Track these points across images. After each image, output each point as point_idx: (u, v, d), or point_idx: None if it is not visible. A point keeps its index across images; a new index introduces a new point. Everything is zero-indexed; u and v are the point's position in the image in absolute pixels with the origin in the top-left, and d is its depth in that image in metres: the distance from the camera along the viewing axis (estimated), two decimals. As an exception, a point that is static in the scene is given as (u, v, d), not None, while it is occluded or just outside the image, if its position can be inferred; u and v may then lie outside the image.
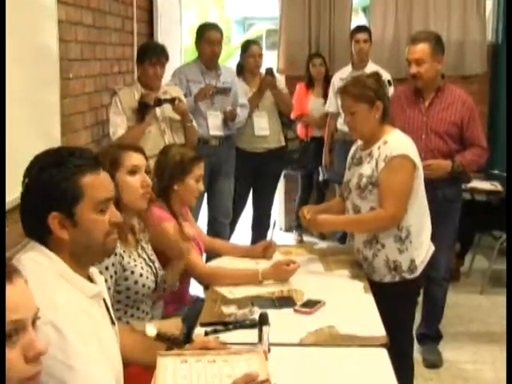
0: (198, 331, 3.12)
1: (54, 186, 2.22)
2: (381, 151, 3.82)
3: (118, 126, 5.16)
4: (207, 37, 6.21)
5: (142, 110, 5.19)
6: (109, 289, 3.04)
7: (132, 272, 3.26)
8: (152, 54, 5.29)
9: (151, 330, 3.06)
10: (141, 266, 3.34)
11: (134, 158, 3.34)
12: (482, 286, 6.69)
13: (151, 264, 3.44)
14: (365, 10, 12.20)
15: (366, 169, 3.86)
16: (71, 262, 2.27)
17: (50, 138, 4.18)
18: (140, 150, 3.42)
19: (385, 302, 3.58)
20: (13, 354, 1.63)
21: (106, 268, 3.08)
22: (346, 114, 3.92)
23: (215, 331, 3.11)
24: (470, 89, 7.59)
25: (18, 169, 2.36)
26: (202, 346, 2.69)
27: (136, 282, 3.28)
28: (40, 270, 2.18)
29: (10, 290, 1.63)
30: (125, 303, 3.26)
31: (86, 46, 4.91)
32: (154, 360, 2.48)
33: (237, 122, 6.39)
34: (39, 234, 2.27)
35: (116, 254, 3.13)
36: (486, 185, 7.14)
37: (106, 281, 3.00)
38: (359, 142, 4.09)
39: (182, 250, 3.68)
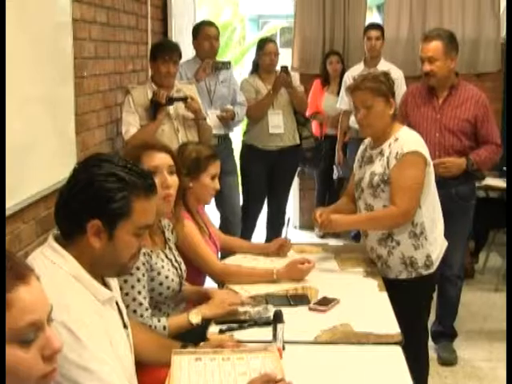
0: (213, 329, 3.11)
1: (109, 197, 2.23)
2: (392, 148, 3.81)
3: (131, 124, 5.15)
4: (205, 32, 6.24)
5: (154, 109, 5.18)
6: (143, 287, 3.08)
7: (158, 273, 3.23)
8: (165, 51, 5.27)
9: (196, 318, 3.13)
10: (168, 267, 3.30)
11: (154, 159, 3.24)
12: (497, 284, 6.66)
13: (177, 265, 3.41)
14: (379, 7, 12.18)
15: (378, 167, 3.85)
16: (88, 267, 2.27)
17: (65, 136, 4.19)
18: (164, 149, 3.33)
19: (401, 298, 3.58)
20: (31, 354, 1.61)
21: (138, 268, 3.05)
22: (361, 108, 3.87)
23: (230, 329, 3.10)
24: (484, 86, 7.57)
25: (33, 166, 2.35)
26: (216, 345, 2.70)
27: (161, 284, 3.25)
28: (53, 268, 2.18)
29: (27, 292, 1.60)
30: (148, 303, 3.20)
31: (100, 44, 4.90)
32: (169, 358, 2.49)
33: (236, 120, 6.42)
34: (70, 229, 2.28)
35: (145, 254, 3.12)
36: (500, 182, 7.10)
37: (138, 280, 3.04)
38: (367, 142, 4.08)
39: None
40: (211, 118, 6.04)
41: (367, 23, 7.78)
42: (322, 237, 8.09)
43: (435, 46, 4.78)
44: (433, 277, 4.00)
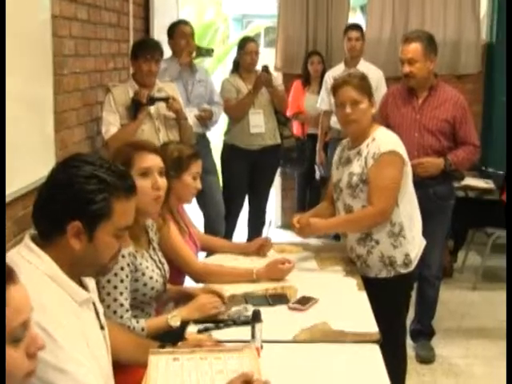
0: (191, 329, 3.10)
1: (90, 198, 2.22)
2: (369, 148, 3.81)
3: (111, 124, 5.11)
4: (181, 30, 6.27)
5: (135, 108, 5.15)
6: (126, 288, 3.06)
7: (143, 274, 3.21)
8: (146, 50, 5.24)
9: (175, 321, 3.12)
10: (152, 268, 3.28)
11: (146, 160, 3.24)
12: (475, 283, 6.70)
13: (161, 266, 3.40)
14: (362, 8, 12.20)
15: (356, 167, 3.84)
16: (67, 268, 2.24)
17: (44, 134, 4.15)
18: (155, 151, 3.33)
19: (379, 297, 3.58)
20: (18, 353, 1.64)
21: (122, 268, 3.04)
22: (347, 104, 3.84)
23: (208, 329, 3.09)
24: (464, 88, 7.63)
25: (10, 164, 2.32)
26: (194, 344, 2.69)
27: (145, 284, 3.23)
28: (30, 269, 2.15)
29: (16, 292, 1.62)
30: (130, 304, 3.15)
31: (81, 42, 4.86)
32: (147, 358, 2.47)
33: (213, 120, 6.44)
34: (49, 229, 2.25)
35: (130, 255, 3.11)
36: (479, 182, 7.14)
37: (121, 281, 3.03)
38: (344, 142, 4.08)
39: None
40: (189, 116, 6.05)
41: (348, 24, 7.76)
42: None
43: (415, 47, 4.80)
44: (411, 275, 4.01)
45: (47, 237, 2.24)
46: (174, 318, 3.13)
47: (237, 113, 6.60)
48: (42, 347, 1.70)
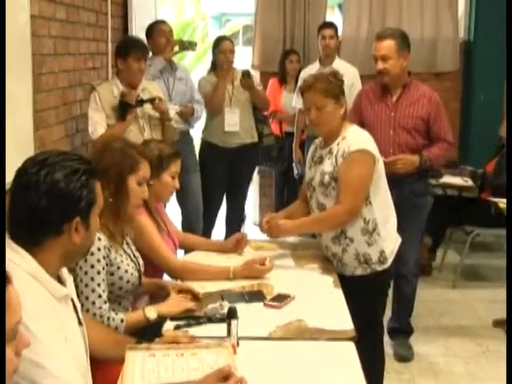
0: (168, 326, 3.12)
1: (78, 195, 2.29)
2: (339, 147, 3.84)
3: (98, 123, 5.11)
4: (159, 29, 6.34)
5: (123, 109, 5.15)
6: (103, 280, 3.11)
7: (118, 267, 3.25)
8: (137, 49, 5.26)
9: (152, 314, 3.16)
10: (126, 262, 3.33)
11: (146, 170, 3.39)
12: (454, 281, 6.73)
13: (135, 260, 3.44)
14: (340, 6, 12.23)
15: (327, 166, 3.87)
16: (55, 262, 2.30)
17: (23, 133, 4.17)
18: (148, 158, 3.45)
19: (356, 295, 3.62)
20: (10, 352, 1.68)
21: (98, 260, 3.09)
22: (312, 109, 3.89)
23: (184, 325, 3.11)
24: (442, 86, 7.69)
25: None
26: (171, 341, 2.72)
27: (121, 278, 3.27)
28: (11, 267, 2.17)
29: (13, 292, 1.66)
30: (107, 297, 3.18)
31: (60, 41, 4.88)
32: (123, 354, 2.51)
33: (195, 117, 6.50)
34: (38, 237, 2.28)
35: (105, 248, 3.15)
36: (457, 180, 7.19)
37: (98, 272, 3.07)
38: (317, 142, 4.10)
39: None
40: (172, 113, 6.10)
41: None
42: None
43: (388, 44, 4.83)
44: (387, 272, 4.02)
45: (37, 241, 2.27)
46: (150, 311, 3.17)
47: (212, 103, 6.61)
48: (28, 345, 1.74)
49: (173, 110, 6.14)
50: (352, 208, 3.82)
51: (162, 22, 6.56)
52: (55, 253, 2.29)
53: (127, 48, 5.30)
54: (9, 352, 1.68)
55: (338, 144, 3.85)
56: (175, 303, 3.28)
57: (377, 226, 3.89)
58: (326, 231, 4.00)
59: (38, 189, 2.24)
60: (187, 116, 6.39)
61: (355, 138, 3.87)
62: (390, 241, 3.98)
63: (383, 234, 3.92)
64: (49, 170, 2.27)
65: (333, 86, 3.86)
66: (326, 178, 3.85)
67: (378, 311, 4.21)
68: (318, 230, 4.11)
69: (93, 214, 2.35)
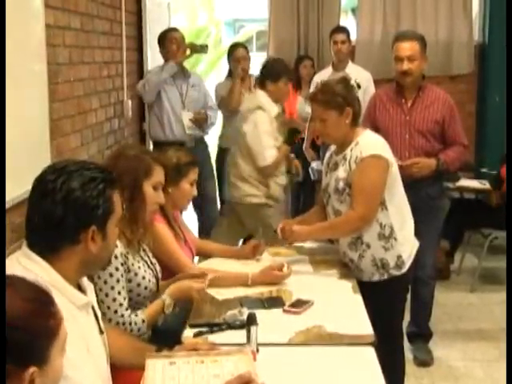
0: (188, 333, 3.12)
1: (94, 203, 2.30)
2: (352, 153, 3.84)
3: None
4: (171, 36, 6.43)
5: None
6: (123, 288, 3.13)
7: (135, 274, 3.27)
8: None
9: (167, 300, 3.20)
10: (144, 268, 3.34)
11: (161, 175, 3.39)
12: (472, 284, 6.70)
13: (152, 267, 3.45)
14: (354, 11, 12.21)
15: (341, 172, 3.87)
16: (72, 271, 2.31)
17: (40, 142, 4.17)
18: (162, 164, 3.46)
19: (374, 300, 3.61)
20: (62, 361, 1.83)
21: (117, 269, 3.10)
22: (316, 120, 3.93)
23: (204, 333, 3.11)
24: (457, 88, 7.66)
25: (8, 173, 2.36)
26: (190, 348, 2.70)
27: (139, 285, 3.28)
28: (29, 277, 2.18)
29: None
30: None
31: (75, 50, 4.88)
32: (143, 362, 2.50)
33: (209, 123, 6.57)
34: (56, 245, 2.29)
35: (122, 255, 3.16)
36: (474, 183, 7.17)
37: (118, 281, 3.09)
38: (333, 148, 4.09)
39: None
40: (185, 119, 6.17)
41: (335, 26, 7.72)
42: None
43: (413, 45, 4.83)
44: (405, 277, 4.02)
45: (54, 249, 2.29)
46: (167, 300, 3.23)
47: (230, 103, 6.66)
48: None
49: (186, 117, 6.19)
50: (365, 214, 3.81)
51: (174, 30, 6.64)
52: (72, 262, 2.29)
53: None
54: (61, 361, 1.76)
55: (351, 150, 3.85)
56: (182, 288, 3.33)
57: (393, 231, 3.88)
58: (340, 237, 4.00)
59: (54, 196, 2.26)
60: (201, 122, 6.43)
61: (368, 143, 3.86)
62: (407, 245, 3.97)
63: (400, 239, 3.91)
64: (66, 178, 2.28)
65: (336, 96, 3.85)
66: (341, 184, 3.85)
67: (397, 316, 4.20)
68: (331, 235, 4.13)
69: (110, 223, 2.35)
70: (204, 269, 3.87)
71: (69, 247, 2.28)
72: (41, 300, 1.72)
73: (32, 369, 1.63)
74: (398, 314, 4.19)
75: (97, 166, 2.41)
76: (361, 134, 3.91)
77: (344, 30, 7.41)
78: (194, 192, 3.96)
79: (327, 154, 4.14)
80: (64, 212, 2.26)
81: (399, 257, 3.92)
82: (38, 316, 1.68)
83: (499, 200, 6.54)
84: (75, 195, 2.27)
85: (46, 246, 2.29)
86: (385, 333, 3.32)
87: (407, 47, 4.84)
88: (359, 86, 4.49)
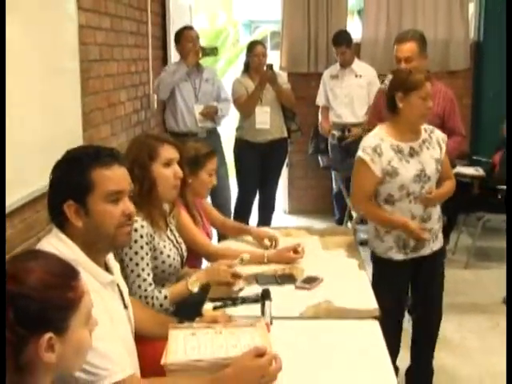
0: (207, 306, 3.12)
1: (71, 177, 2.26)
2: (436, 135, 3.92)
3: None
4: (188, 35, 6.38)
5: None
6: (147, 265, 3.12)
7: (161, 252, 3.25)
8: None
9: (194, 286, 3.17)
10: (169, 247, 3.32)
11: (169, 151, 3.29)
12: (467, 262, 6.67)
13: (178, 246, 3.43)
14: (359, 12, 12.15)
15: (436, 153, 3.87)
16: (86, 248, 2.29)
17: (73, 132, 4.18)
18: (174, 144, 3.36)
19: (435, 269, 4.03)
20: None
21: (141, 247, 3.09)
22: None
23: (222, 306, 3.11)
24: (455, 83, 7.60)
25: (45, 161, 2.37)
26: (210, 320, 2.70)
27: (163, 262, 3.27)
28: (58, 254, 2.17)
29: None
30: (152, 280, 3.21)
31: (105, 48, 4.88)
32: (166, 333, 2.49)
33: (220, 115, 6.55)
34: (57, 220, 2.31)
35: (147, 235, 3.14)
36: (469, 170, 7.11)
37: (142, 258, 3.09)
38: (389, 140, 3.84)
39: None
40: (196, 113, 6.27)
41: (335, 34, 7.46)
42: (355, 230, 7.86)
43: (410, 46, 4.78)
44: None
45: (60, 226, 2.30)
46: (192, 282, 3.17)
47: (246, 108, 6.61)
48: (96, 324, 1.82)
49: (198, 110, 6.21)
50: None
51: (189, 28, 6.58)
52: (78, 240, 2.28)
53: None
54: (86, 332, 1.74)
55: (429, 134, 3.90)
56: (215, 272, 3.26)
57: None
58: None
59: (50, 179, 2.33)
60: (211, 116, 6.45)
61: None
62: None
63: None
64: (61, 161, 2.33)
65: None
66: (438, 165, 3.87)
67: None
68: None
69: (90, 199, 2.27)
70: (223, 249, 3.87)
71: (66, 224, 2.28)
72: (61, 274, 1.71)
73: (48, 335, 1.63)
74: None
75: (98, 149, 2.38)
76: None
77: (343, 42, 7.27)
78: (214, 181, 3.94)
79: (386, 145, 3.84)
80: (50, 188, 2.31)
81: None
82: (56, 288, 1.67)
83: (492, 185, 6.53)
84: (56, 174, 2.30)
85: (55, 224, 2.32)
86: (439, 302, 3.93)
87: (405, 49, 4.80)
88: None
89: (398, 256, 3.89)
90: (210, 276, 3.24)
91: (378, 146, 3.76)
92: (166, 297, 3.11)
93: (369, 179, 3.77)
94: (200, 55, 6.42)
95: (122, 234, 2.36)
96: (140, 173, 3.15)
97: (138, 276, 3.07)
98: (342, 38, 7.31)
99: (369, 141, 3.83)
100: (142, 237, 3.09)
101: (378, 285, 3.69)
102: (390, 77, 3.93)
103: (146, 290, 3.08)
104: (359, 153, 3.79)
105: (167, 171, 3.26)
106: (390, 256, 3.90)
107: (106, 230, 2.31)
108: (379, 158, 3.74)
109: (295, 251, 3.77)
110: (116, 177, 2.33)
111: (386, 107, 3.92)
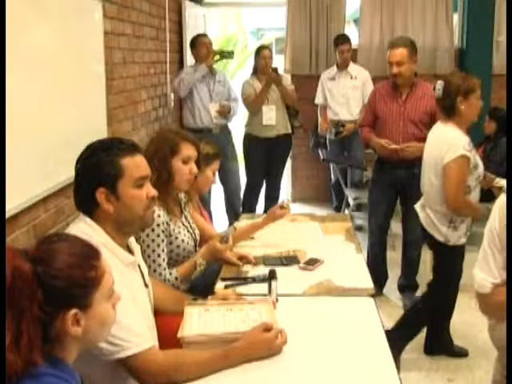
0: (219, 285, 3.09)
1: (101, 166, 2.22)
2: None
3: None
4: (202, 41, 6.38)
5: None
6: (163, 251, 3.08)
7: (176, 238, 3.22)
8: None
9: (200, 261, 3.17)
10: (184, 232, 3.29)
11: (189, 149, 3.23)
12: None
13: (191, 231, 3.39)
14: (356, 21, 12.10)
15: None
16: (113, 231, 2.26)
17: (99, 127, 4.20)
18: (195, 143, 3.29)
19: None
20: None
21: (158, 235, 3.05)
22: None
23: (233, 285, 3.08)
24: (441, 85, 7.52)
25: (75, 153, 2.33)
26: (222, 297, 2.70)
27: (178, 246, 3.24)
28: (85, 238, 2.13)
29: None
30: (167, 263, 3.17)
31: (127, 52, 4.87)
32: (182, 309, 2.49)
33: (231, 113, 6.57)
34: (87, 207, 2.26)
35: (163, 223, 3.10)
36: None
37: (158, 245, 3.05)
38: (466, 139, 3.84)
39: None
40: (212, 110, 6.29)
41: (337, 35, 7.49)
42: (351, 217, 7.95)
43: (401, 52, 4.75)
44: None
45: (89, 212, 2.26)
46: (198, 259, 3.18)
47: (254, 106, 6.59)
48: (119, 299, 1.79)
49: (213, 109, 6.20)
50: None
51: (204, 35, 6.58)
52: (106, 224, 2.25)
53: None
54: (108, 306, 1.72)
55: None
56: (210, 248, 3.25)
57: None
58: None
59: (77, 166, 2.29)
60: (225, 113, 6.48)
61: None
62: None
63: None
64: (87, 152, 2.28)
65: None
66: None
67: None
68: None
69: (120, 185, 2.24)
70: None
71: (96, 210, 2.24)
72: (83, 255, 1.67)
73: (73, 311, 1.61)
74: None
75: (120, 140, 2.34)
76: None
77: (348, 40, 7.30)
78: (215, 180, 3.89)
79: (466, 142, 3.81)
80: (80, 178, 2.26)
81: None
82: (79, 268, 1.63)
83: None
84: (87, 163, 2.25)
85: (83, 208, 2.28)
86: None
87: (397, 54, 4.77)
88: None
89: (463, 240, 4.10)
90: (208, 252, 3.23)
91: (469, 143, 3.77)
92: (176, 278, 3.10)
93: (467, 174, 3.78)
94: (218, 57, 6.43)
95: (148, 215, 2.36)
96: (159, 164, 3.10)
97: (154, 261, 3.04)
98: (344, 38, 7.33)
99: (461, 139, 3.79)
100: (158, 225, 3.05)
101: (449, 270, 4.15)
102: (440, 83, 3.86)
103: (160, 274, 3.05)
104: (461, 151, 3.72)
105: (185, 167, 3.20)
106: (462, 242, 4.09)
107: (137, 212, 2.28)
108: (470, 153, 3.76)
109: (282, 207, 3.75)
110: (140, 164, 2.30)
111: (442, 111, 3.90)
